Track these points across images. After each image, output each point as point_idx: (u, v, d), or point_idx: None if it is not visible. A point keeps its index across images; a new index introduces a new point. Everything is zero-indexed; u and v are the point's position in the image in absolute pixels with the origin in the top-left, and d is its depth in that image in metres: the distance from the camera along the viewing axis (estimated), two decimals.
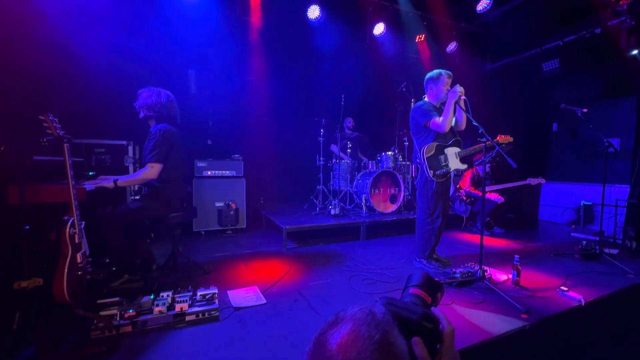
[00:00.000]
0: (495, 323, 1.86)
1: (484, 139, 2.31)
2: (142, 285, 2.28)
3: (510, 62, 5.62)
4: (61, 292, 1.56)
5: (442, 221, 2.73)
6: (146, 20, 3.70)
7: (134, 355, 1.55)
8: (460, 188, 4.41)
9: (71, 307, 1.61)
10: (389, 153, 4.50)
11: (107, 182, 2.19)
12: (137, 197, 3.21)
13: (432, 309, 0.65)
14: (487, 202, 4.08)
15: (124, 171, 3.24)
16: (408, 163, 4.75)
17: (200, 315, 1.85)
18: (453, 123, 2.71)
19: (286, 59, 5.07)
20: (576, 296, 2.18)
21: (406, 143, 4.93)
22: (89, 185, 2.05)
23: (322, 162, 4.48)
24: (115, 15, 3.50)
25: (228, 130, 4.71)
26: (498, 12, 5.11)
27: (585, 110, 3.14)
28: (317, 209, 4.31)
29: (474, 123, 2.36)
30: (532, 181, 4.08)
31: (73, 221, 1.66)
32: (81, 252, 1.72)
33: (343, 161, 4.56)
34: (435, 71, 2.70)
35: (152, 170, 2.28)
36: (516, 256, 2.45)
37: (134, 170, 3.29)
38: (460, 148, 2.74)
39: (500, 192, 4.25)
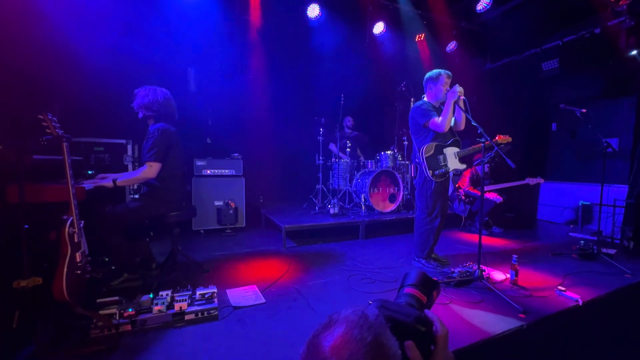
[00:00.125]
0: (493, 323, 1.87)
1: (482, 139, 2.32)
2: (142, 284, 2.29)
3: (510, 62, 5.63)
4: (61, 291, 1.57)
5: (441, 221, 2.74)
6: (145, 18, 3.69)
7: (133, 354, 1.56)
8: (459, 187, 4.42)
9: (70, 306, 1.61)
10: (388, 152, 4.50)
11: (106, 181, 2.19)
12: (137, 196, 3.22)
13: (426, 311, 0.66)
14: (486, 202, 4.09)
15: (123, 170, 3.24)
16: (407, 162, 4.75)
17: (199, 314, 1.86)
18: (452, 123, 2.71)
19: (286, 58, 5.07)
20: (573, 296, 2.19)
21: (405, 142, 4.93)
22: (88, 185, 2.05)
23: (321, 161, 4.48)
24: (115, 14, 3.49)
25: (227, 129, 4.71)
26: (498, 12, 5.10)
27: (584, 110, 3.14)
28: (317, 208, 4.32)
29: (473, 123, 2.37)
30: (531, 181, 4.10)
31: (72, 220, 1.67)
32: (80, 251, 1.72)
33: (342, 160, 4.57)
34: (435, 71, 2.70)
35: (151, 170, 2.29)
36: (514, 256, 2.46)
37: (133, 169, 3.29)
38: (459, 148, 2.74)
39: (499, 191, 4.26)
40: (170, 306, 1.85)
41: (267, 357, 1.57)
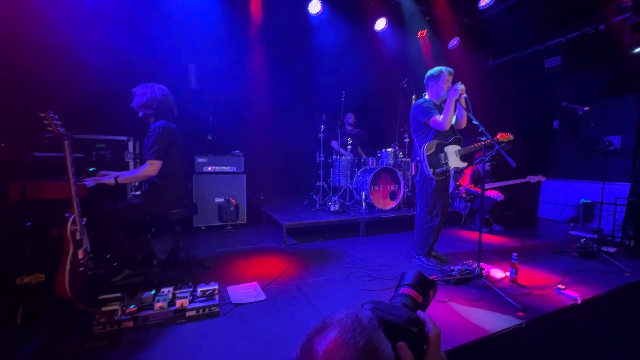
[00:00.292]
0: (491, 321, 1.88)
1: (484, 138, 2.31)
2: (143, 280, 2.31)
3: (512, 59, 5.58)
4: (63, 288, 1.59)
5: (441, 219, 2.75)
6: (146, 15, 3.67)
7: (135, 350, 1.57)
8: (459, 185, 4.42)
9: (73, 303, 1.63)
10: (389, 150, 4.49)
11: (108, 179, 2.20)
12: (138, 193, 3.22)
13: (419, 312, 0.67)
14: (487, 200, 4.09)
15: (125, 167, 3.25)
16: (408, 160, 4.75)
17: (200, 311, 1.87)
18: (453, 121, 2.70)
19: (287, 55, 5.05)
20: (572, 294, 2.20)
21: (406, 140, 4.92)
22: (90, 182, 2.06)
23: (322, 159, 4.48)
24: (115, 10, 3.48)
25: (228, 126, 4.70)
26: (501, 8, 5.06)
27: (586, 108, 3.12)
28: (317, 205, 4.32)
29: (474, 122, 2.36)
30: (532, 179, 4.09)
31: (74, 218, 1.68)
32: (82, 248, 1.74)
33: (343, 157, 4.56)
34: (436, 68, 2.68)
35: (152, 167, 2.29)
36: (514, 254, 2.46)
37: (135, 166, 3.30)
38: (460, 146, 2.74)
39: (499, 189, 4.25)
40: (171, 303, 1.87)
41: (267, 354, 1.58)
